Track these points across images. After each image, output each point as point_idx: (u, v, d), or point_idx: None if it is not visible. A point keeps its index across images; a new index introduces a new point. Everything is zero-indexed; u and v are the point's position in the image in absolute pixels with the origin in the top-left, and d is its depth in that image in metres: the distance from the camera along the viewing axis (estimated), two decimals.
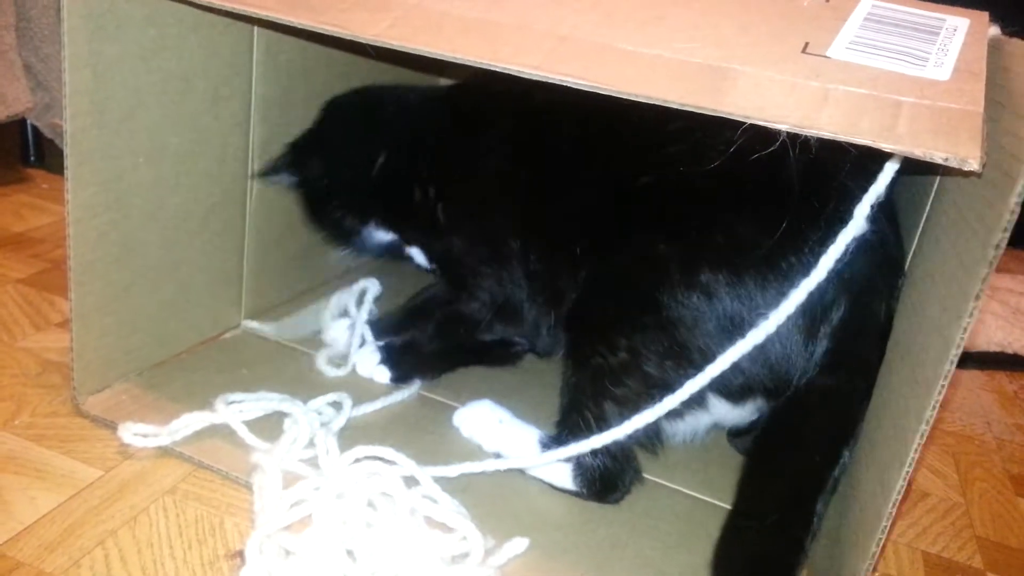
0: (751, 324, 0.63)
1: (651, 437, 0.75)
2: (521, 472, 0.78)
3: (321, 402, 0.83)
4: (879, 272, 0.68)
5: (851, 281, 0.65)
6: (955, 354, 0.50)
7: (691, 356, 0.69)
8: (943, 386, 0.51)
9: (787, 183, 0.64)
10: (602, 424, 0.72)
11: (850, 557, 0.62)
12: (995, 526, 0.89)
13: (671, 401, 0.65)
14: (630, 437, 0.69)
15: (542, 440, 0.80)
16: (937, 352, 0.52)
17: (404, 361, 0.95)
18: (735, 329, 0.66)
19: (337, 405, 0.84)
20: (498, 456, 0.81)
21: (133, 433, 0.75)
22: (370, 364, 0.94)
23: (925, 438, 0.53)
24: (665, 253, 0.70)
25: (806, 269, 0.60)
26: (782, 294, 0.62)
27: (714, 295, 0.67)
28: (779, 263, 0.65)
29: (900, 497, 0.54)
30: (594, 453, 0.74)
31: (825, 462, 0.66)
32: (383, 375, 0.93)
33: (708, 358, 0.65)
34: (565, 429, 0.76)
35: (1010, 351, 1.29)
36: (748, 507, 0.67)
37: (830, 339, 0.67)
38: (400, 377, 0.93)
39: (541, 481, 0.79)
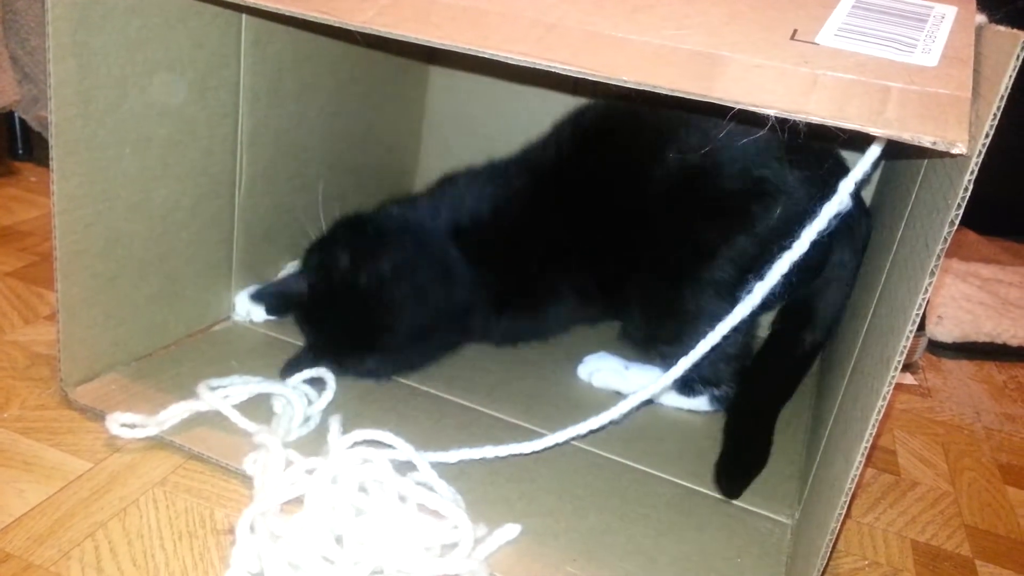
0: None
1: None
2: (517, 459, 0.78)
3: (299, 379, 0.84)
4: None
5: None
6: (910, 330, 0.51)
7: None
8: (899, 362, 0.52)
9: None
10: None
11: (815, 535, 0.63)
12: (983, 515, 0.89)
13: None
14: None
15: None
16: (899, 331, 0.53)
17: (278, 300, 1.00)
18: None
19: (319, 382, 0.85)
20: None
21: (120, 424, 0.74)
22: (246, 305, 0.99)
23: (882, 413, 0.54)
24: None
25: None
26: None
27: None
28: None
29: (859, 473, 0.56)
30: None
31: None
32: (259, 314, 0.99)
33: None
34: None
35: (999, 341, 1.30)
36: None
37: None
38: (272, 311, 1.00)
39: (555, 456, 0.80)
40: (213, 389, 0.79)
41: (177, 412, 0.75)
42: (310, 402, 0.81)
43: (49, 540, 0.63)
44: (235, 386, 0.80)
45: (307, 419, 0.80)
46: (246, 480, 0.71)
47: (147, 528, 0.66)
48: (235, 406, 0.77)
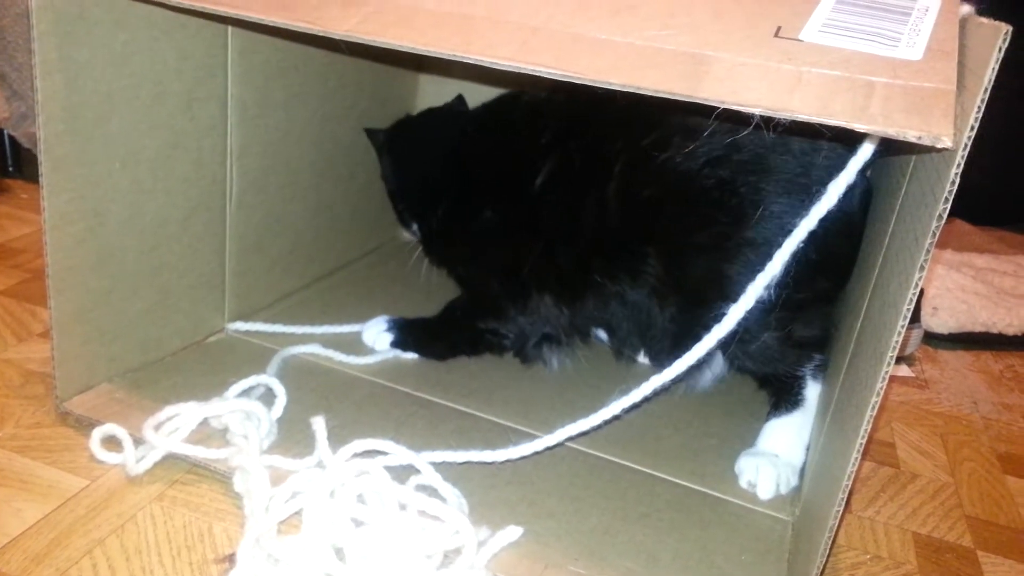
0: None
1: None
2: (517, 462, 0.77)
3: (237, 390, 0.82)
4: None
5: None
6: (902, 325, 0.51)
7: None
8: (891, 357, 0.52)
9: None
10: None
11: (814, 531, 0.63)
12: (984, 504, 0.89)
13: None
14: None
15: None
16: (891, 325, 0.53)
17: (408, 332, 1.00)
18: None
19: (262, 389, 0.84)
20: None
21: (102, 444, 0.75)
22: (375, 332, 1.00)
23: (876, 409, 0.54)
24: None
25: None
26: None
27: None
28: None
29: (855, 468, 0.56)
30: None
31: None
32: (384, 342, 0.99)
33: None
34: None
35: (995, 331, 1.30)
36: None
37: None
38: (399, 343, 0.99)
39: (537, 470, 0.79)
40: (159, 425, 0.75)
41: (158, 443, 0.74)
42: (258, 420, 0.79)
43: (47, 559, 0.63)
44: (181, 416, 0.77)
45: (268, 431, 0.77)
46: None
47: (145, 544, 0.66)
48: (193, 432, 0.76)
